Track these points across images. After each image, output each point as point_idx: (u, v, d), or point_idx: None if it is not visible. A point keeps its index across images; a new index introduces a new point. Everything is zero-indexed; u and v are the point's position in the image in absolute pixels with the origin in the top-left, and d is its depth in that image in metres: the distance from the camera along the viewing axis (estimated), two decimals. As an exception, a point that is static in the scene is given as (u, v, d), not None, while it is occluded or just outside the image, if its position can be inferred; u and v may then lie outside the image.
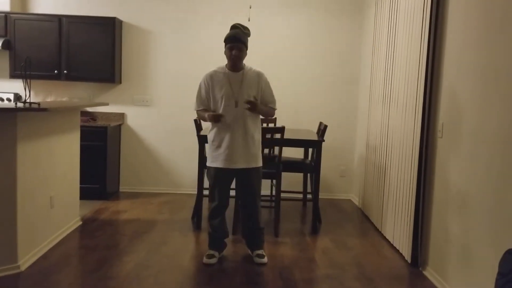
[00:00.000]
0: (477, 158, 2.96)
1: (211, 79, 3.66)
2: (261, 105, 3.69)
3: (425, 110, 3.64)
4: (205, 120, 3.71)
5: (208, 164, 3.78)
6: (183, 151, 6.04)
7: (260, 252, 3.84)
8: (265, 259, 3.80)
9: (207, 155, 3.87)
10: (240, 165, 3.67)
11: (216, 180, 3.73)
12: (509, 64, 2.63)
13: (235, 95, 3.62)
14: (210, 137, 3.74)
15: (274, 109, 3.81)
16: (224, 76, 3.65)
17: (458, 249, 3.18)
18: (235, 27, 3.67)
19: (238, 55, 3.59)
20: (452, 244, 3.26)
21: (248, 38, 3.70)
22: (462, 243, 3.12)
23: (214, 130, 3.70)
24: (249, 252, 3.93)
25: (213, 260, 3.74)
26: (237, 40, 3.57)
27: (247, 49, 3.66)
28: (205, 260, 3.73)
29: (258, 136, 3.78)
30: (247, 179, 3.74)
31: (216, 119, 3.59)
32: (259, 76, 3.71)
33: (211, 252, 3.80)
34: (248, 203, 3.84)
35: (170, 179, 6.12)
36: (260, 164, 3.79)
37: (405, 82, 4.09)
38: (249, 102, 3.56)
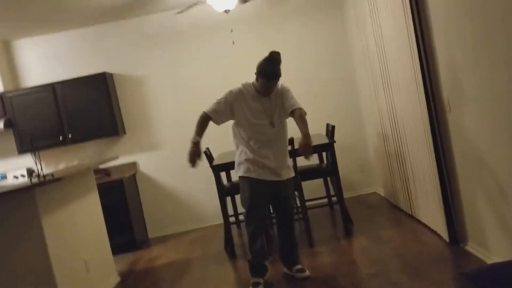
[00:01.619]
0: (490, 118, 2.91)
1: (241, 95, 3.67)
2: (301, 126, 3.51)
3: (427, 86, 3.61)
4: (196, 134, 3.62)
5: (248, 175, 3.65)
6: (200, 185, 6.03)
7: (299, 267, 3.81)
8: (307, 272, 3.77)
9: (242, 168, 3.70)
10: (280, 177, 3.70)
11: (254, 195, 3.65)
12: (498, 18, 2.63)
13: (268, 114, 3.66)
14: (249, 156, 3.65)
15: (301, 108, 3.64)
16: (255, 98, 3.67)
17: (494, 216, 3.11)
18: (274, 59, 3.64)
19: (273, 89, 3.67)
20: (487, 212, 3.19)
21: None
22: (496, 209, 3.06)
23: (253, 152, 3.65)
24: (286, 270, 3.89)
25: None
26: (276, 77, 3.62)
27: None
28: None
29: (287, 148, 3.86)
30: (285, 190, 3.76)
31: (192, 159, 3.55)
32: (281, 89, 3.73)
33: (256, 280, 3.71)
34: (287, 216, 3.85)
35: (194, 215, 6.13)
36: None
37: (400, 64, 4.09)
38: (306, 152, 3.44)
